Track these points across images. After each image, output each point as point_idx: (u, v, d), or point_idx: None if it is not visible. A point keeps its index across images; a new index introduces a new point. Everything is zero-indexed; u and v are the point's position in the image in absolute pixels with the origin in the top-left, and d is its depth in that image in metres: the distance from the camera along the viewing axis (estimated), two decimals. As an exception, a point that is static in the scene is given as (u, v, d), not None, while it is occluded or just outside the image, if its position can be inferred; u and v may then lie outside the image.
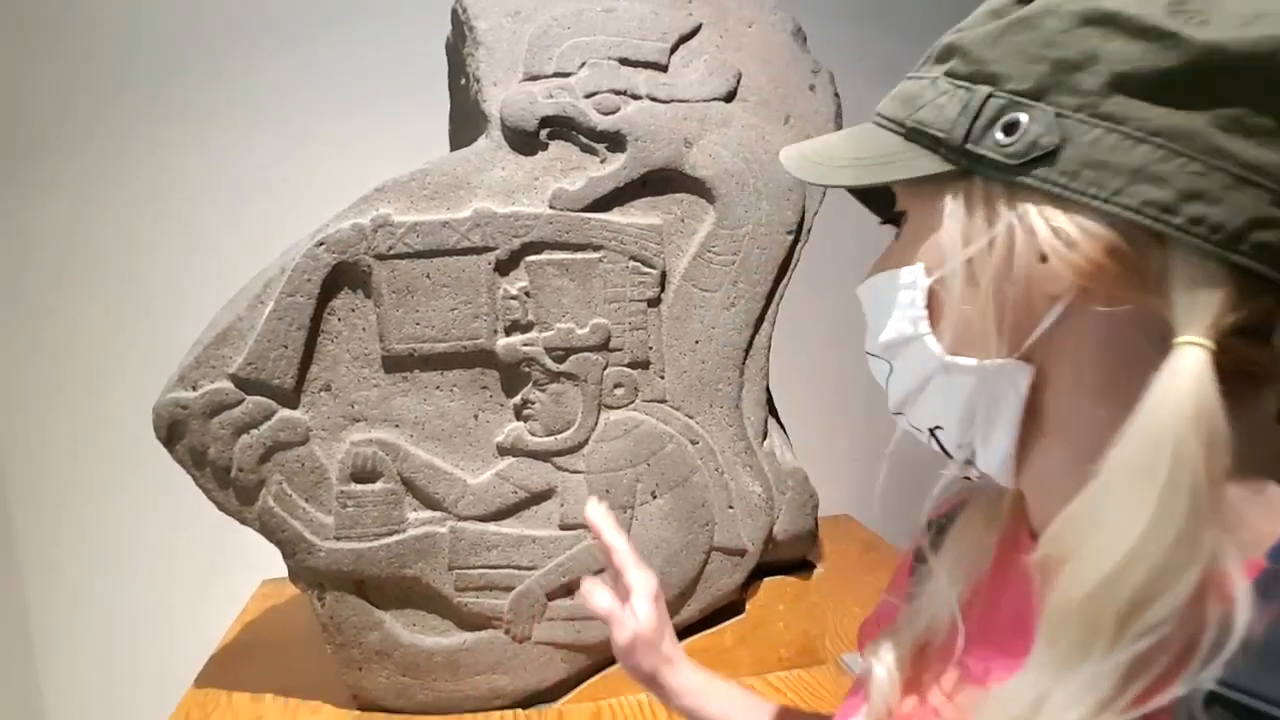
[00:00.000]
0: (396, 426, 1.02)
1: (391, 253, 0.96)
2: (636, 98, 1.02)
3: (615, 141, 1.01)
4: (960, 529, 0.52)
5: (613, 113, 1.00)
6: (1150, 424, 0.34)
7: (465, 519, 1.05)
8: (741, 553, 1.12)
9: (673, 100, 1.03)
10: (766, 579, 1.16)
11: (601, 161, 1.02)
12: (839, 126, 1.11)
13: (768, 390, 1.13)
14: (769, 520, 1.12)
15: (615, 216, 1.03)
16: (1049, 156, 0.36)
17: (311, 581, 1.04)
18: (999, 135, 0.37)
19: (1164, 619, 0.33)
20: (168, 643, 1.49)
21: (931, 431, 0.45)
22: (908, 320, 0.43)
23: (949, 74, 0.41)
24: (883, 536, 1.69)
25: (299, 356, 0.97)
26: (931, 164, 0.40)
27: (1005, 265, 0.38)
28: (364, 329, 0.99)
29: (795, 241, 1.08)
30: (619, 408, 1.07)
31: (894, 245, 0.47)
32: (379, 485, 1.02)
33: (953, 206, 0.40)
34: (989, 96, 0.38)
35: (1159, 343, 0.35)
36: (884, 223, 0.52)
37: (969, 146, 0.38)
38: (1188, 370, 0.33)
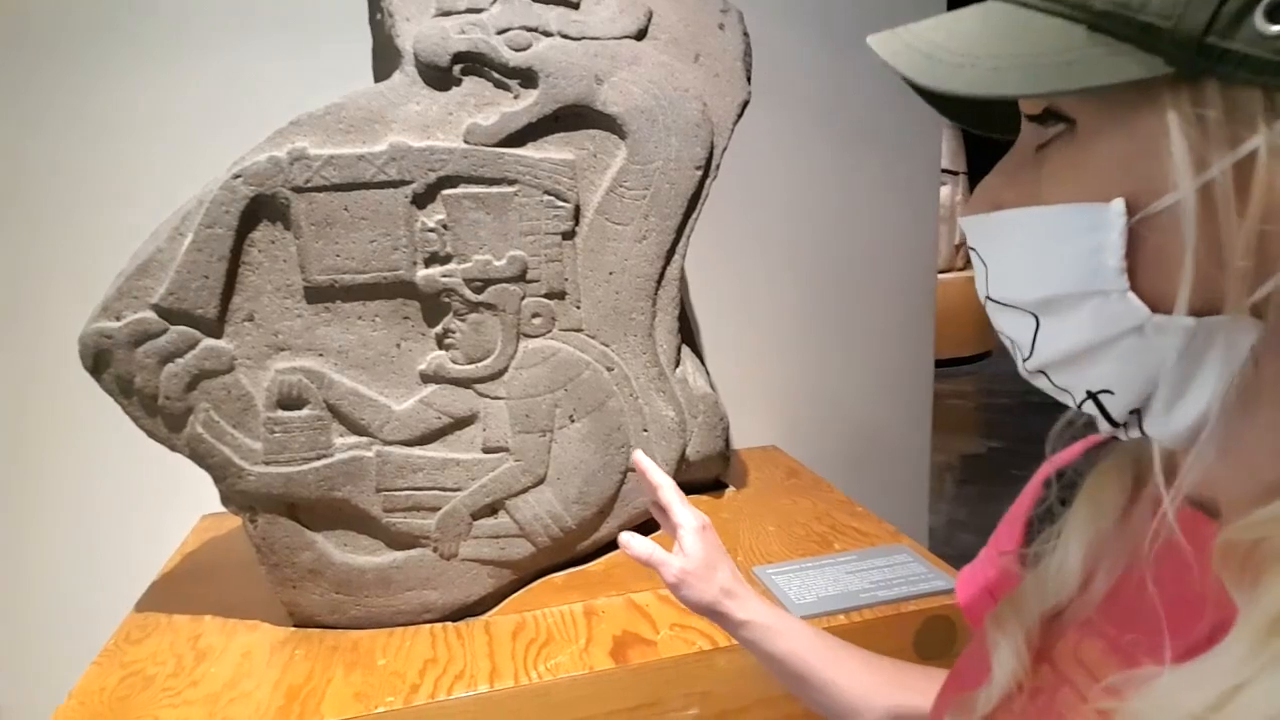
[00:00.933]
0: (321, 355, 1.06)
1: (309, 185, 0.99)
2: (548, 34, 1.05)
3: (527, 78, 1.04)
4: (1096, 483, 0.46)
5: (524, 49, 1.03)
6: None
7: (391, 444, 1.10)
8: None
9: (584, 37, 1.06)
10: (682, 498, 1.24)
11: (515, 97, 1.05)
12: (747, 66, 1.15)
13: (681, 319, 1.19)
14: (682, 442, 1.19)
15: (529, 151, 1.06)
16: None
17: (243, 505, 1.09)
18: (1262, 23, 0.28)
19: None
20: (110, 575, 1.53)
21: (1092, 396, 0.38)
22: (1094, 271, 0.34)
23: None
24: (805, 464, 1.79)
25: (220, 287, 1.00)
26: (1145, 64, 0.31)
27: (1257, 197, 0.30)
28: (285, 260, 1.02)
29: (704, 177, 1.13)
30: (537, 336, 1.12)
31: (1050, 167, 0.37)
32: (305, 412, 1.06)
33: (1178, 121, 0.31)
34: None
35: None
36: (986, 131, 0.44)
37: (1211, 40, 0.29)
38: None
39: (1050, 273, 0.36)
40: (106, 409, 1.04)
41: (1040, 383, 0.40)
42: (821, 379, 1.99)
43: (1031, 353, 0.39)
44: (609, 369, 1.15)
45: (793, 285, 1.92)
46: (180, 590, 1.28)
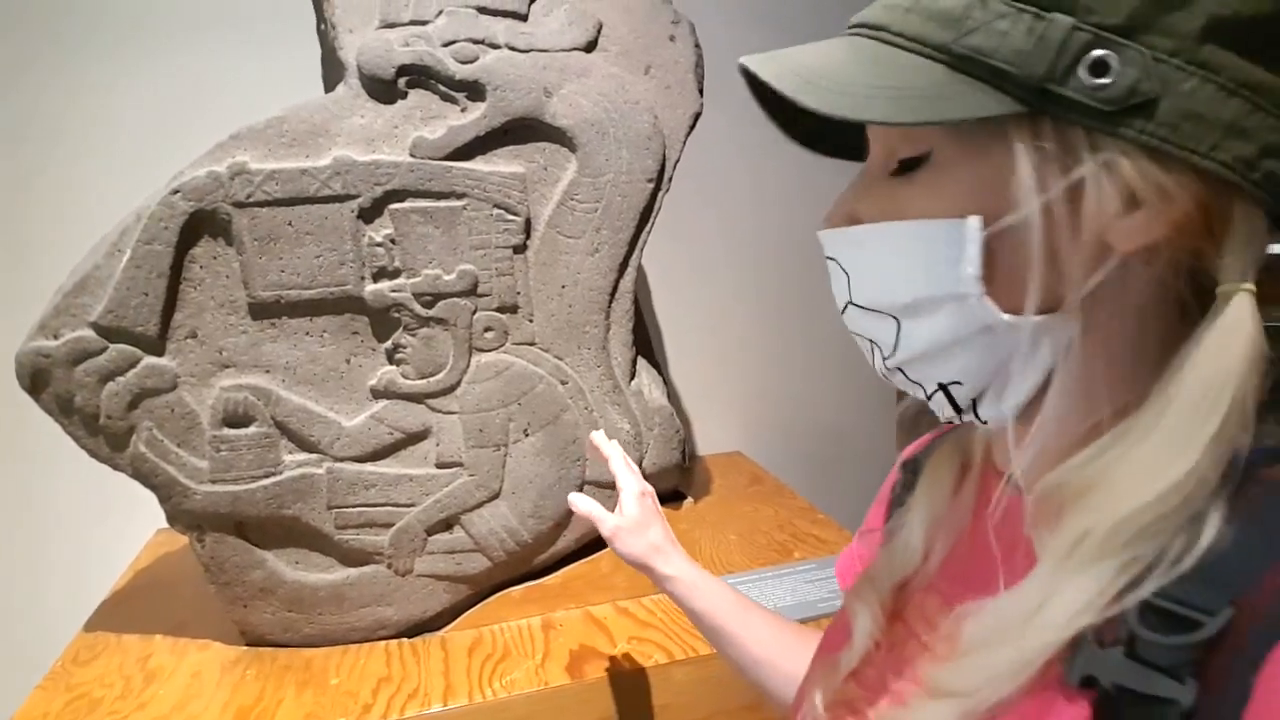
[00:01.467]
0: (267, 372, 1.05)
1: (250, 200, 0.98)
2: (495, 47, 1.04)
3: (475, 90, 1.03)
4: (933, 469, 0.53)
5: (471, 61, 1.02)
6: (1212, 366, 0.35)
7: (342, 460, 1.09)
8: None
9: (532, 50, 1.06)
10: (639, 510, 1.23)
11: (462, 110, 1.04)
12: (699, 78, 1.15)
13: (635, 333, 1.18)
14: (638, 455, 1.19)
15: (478, 165, 1.05)
16: (1147, 105, 0.34)
17: (190, 524, 1.07)
18: (1085, 75, 0.34)
19: (1164, 532, 0.35)
20: (60, 594, 1.50)
21: (942, 388, 0.43)
22: (954, 278, 0.39)
23: None
24: (769, 470, 1.79)
25: (161, 304, 0.98)
26: (997, 102, 0.36)
27: (1083, 215, 0.36)
28: (228, 276, 1.01)
29: (656, 189, 1.13)
30: (490, 350, 1.11)
31: (908, 188, 0.41)
32: (252, 429, 1.04)
33: (1024, 151, 0.36)
34: (1073, 29, 0.34)
35: (1197, 290, 0.37)
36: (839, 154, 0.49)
37: (1048, 86, 0.35)
38: (1245, 315, 0.35)
39: (915, 280, 0.41)
40: (51, 423, 1.02)
41: (896, 379, 0.46)
42: (786, 383, 2.00)
43: (894, 351, 0.44)
44: (563, 382, 1.14)
45: (755, 291, 1.93)
46: (131, 608, 1.26)
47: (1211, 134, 0.34)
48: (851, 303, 0.45)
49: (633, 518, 0.78)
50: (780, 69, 0.40)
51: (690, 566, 0.76)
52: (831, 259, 0.46)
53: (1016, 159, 0.36)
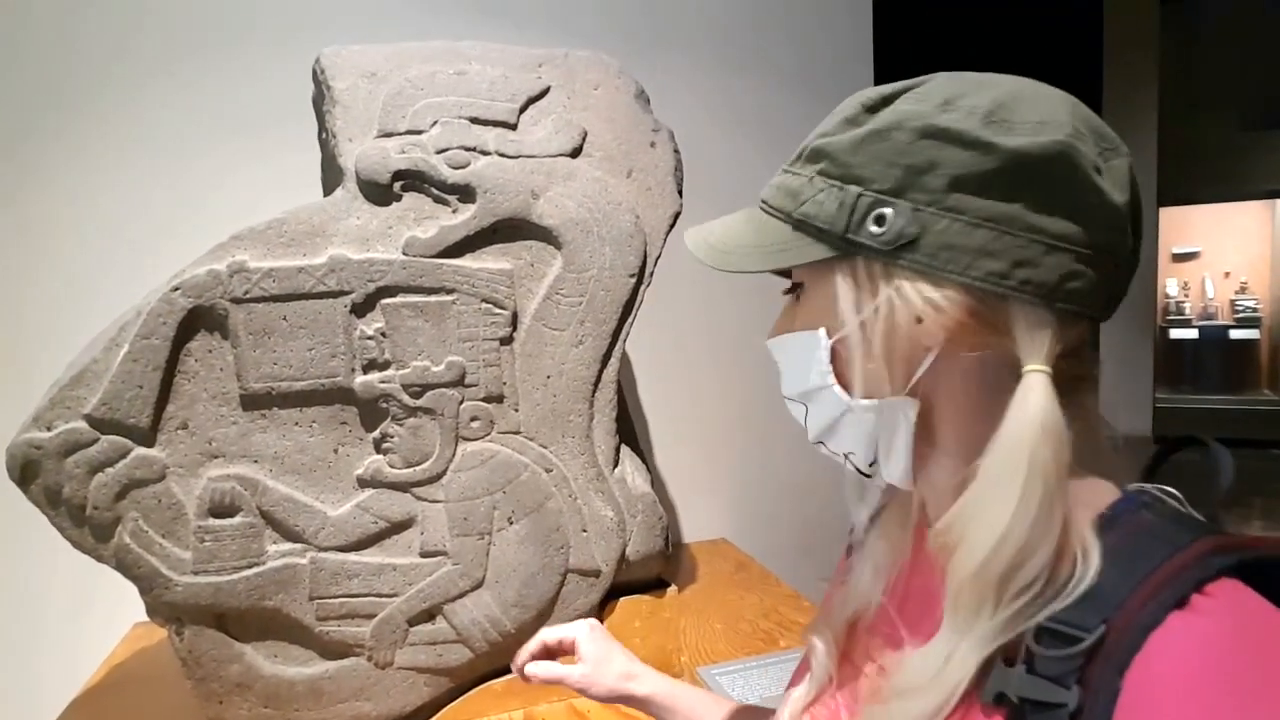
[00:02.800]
0: (255, 462, 1.06)
1: (248, 297, 1.02)
2: (486, 153, 1.11)
3: (465, 193, 1.10)
4: (881, 526, 0.62)
5: (463, 167, 1.09)
6: (1011, 436, 0.45)
7: (326, 550, 1.09)
8: (596, 573, 1.19)
9: (521, 155, 1.12)
10: (622, 599, 1.23)
11: (453, 211, 1.10)
12: (678, 180, 1.22)
13: (619, 422, 1.21)
14: (621, 542, 1.20)
15: (467, 262, 1.11)
16: (913, 243, 0.46)
17: (169, 616, 1.06)
18: (872, 227, 0.47)
19: (1034, 579, 0.44)
20: (34, 687, 1.46)
21: (846, 456, 0.56)
22: (816, 374, 0.53)
23: (822, 173, 0.50)
24: (754, 558, 1.79)
25: (154, 396, 1.00)
26: (820, 250, 0.50)
27: (889, 325, 0.48)
28: (221, 369, 1.04)
29: (638, 284, 1.18)
30: (476, 439, 1.14)
31: (796, 309, 0.56)
32: (237, 519, 1.05)
33: (843, 283, 0.50)
34: (859, 195, 0.48)
35: (1013, 372, 0.46)
36: (786, 277, 0.61)
37: (849, 236, 0.48)
38: (1036, 391, 0.45)
39: (801, 375, 0.55)
40: (30, 517, 1.02)
41: (822, 451, 0.58)
42: (770, 470, 2.02)
43: (808, 429, 0.57)
44: (547, 470, 1.16)
45: (737, 379, 1.97)
46: (102, 706, 1.23)
47: (964, 257, 0.46)
48: (784, 395, 0.59)
49: (592, 659, 0.79)
50: (700, 241, 0.58)
51: (661, 682, 0.79)
52: (776, 362, 0.60)
53: (838, 288, 0.50)
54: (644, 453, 1.43)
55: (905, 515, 0.61)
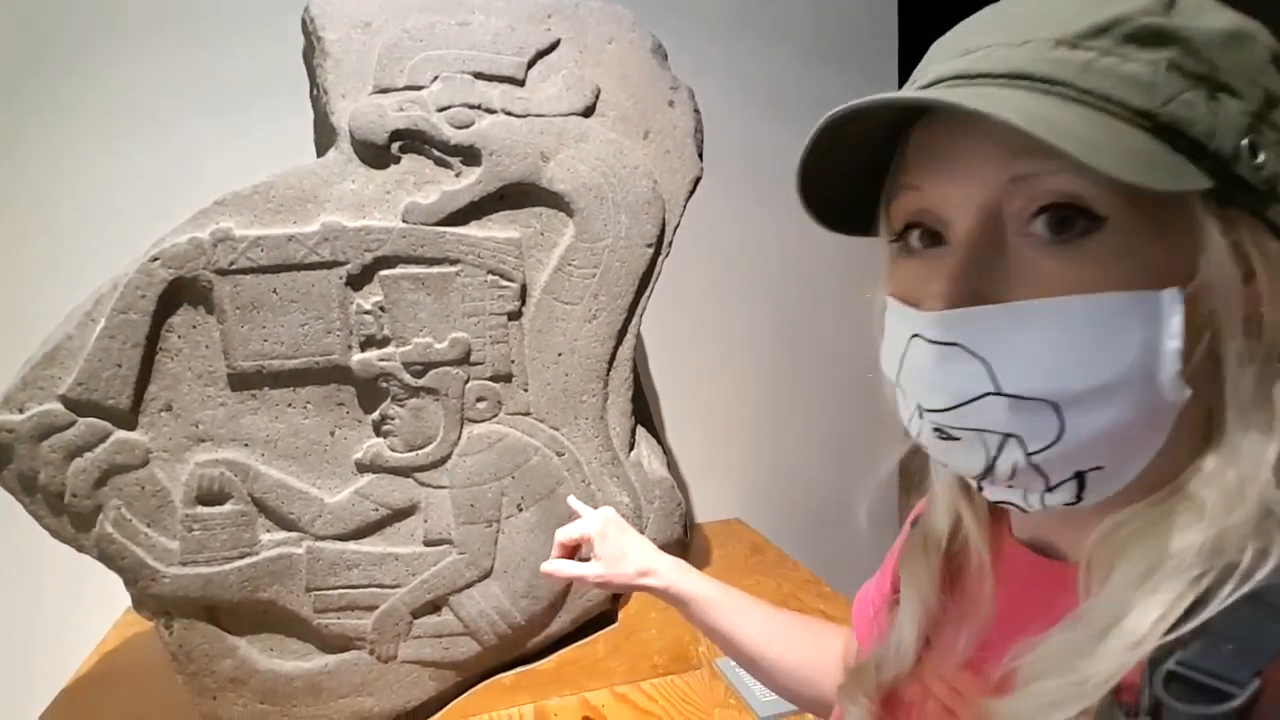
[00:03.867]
0: (246, 446, 0.99)
1: (234, 268, 0.94)
2: (491, 112, 1.02)
3: (469, 155, 1.01)
4: (909, 569, 0.53)
5: (467, 126, 1.00)
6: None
7: (323, 539, 1.02)
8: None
9: (529, 115, 1.03)
10: (638, 588, 1.17)
11: (456, 175, 1.02)
12: (698, 143, 1.13)
13: (634, 401, 1.14)
14: (638, 528, 1.13)
15: (472, 230, 1.02)
16: (1276, 190, 0.36)
17: (157, 610, 1.00)
18: (1247, 156, 0.35)
19: (1236, 545, 0.36)
20: (20, 678, 1.41)
21: (1080, 475, 0.39)
22: (1154, 354, 0.36)
23: (1175, 65, 0.35)
24: (769, 538, 1.73)
25: (135, 375, 0.93)
26: (1196, 176, 0.35)
27: (1250, 290, 0.37)
28: (207, 346, 0.96)
29: (656, 255, 1.10)
30: (482, 421, 1.06)
31: (1077, 258, 0.37)
32: (228, 507, 0.98)
33: (1215, 223, 0.36)
34: (1240, 113, 0.35)
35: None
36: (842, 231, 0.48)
37: (1231, 165, 0.35)
38: None
39: (1097, 359, 0.36)
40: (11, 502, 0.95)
41: (1021, 477, 0.40)
42: (784, 449, 1.95)
43: (1053, 443, 0.38)
44: (559, 454, 1.09)
45: (752, 354, 1.89)
46: (90, 700, 1.17)
47: None
48: (996, 393, 0.38)
49: (609, 556, 0.77)
50: (992, 104, 0.35)
51: (681, 575, 0.75)
52: (954, 345, 0.39)
53: (1205, 233, 0.36)
54: (658, 432, 1.36)
55: (935, 542, 0.53)
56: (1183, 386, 0.37)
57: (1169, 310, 0.36)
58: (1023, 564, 0.47)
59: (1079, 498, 0.40)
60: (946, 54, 0.41)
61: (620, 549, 0.77)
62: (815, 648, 0.70)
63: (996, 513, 0.51)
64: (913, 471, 0.54)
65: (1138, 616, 0.36)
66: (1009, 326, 0.38)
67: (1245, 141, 0.35)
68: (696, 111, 1.14)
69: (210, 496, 0.98)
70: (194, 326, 0.96)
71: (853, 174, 0.44)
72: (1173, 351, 0.36)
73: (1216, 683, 0.33)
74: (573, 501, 0.87)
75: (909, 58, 1.80)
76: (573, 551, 0.80)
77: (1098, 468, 0.39)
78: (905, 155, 0.43)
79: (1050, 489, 0.40)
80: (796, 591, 1.45)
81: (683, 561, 0.78)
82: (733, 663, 1.20)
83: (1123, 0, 0.36)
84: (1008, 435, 0.39)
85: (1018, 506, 0.42)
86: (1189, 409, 0.38)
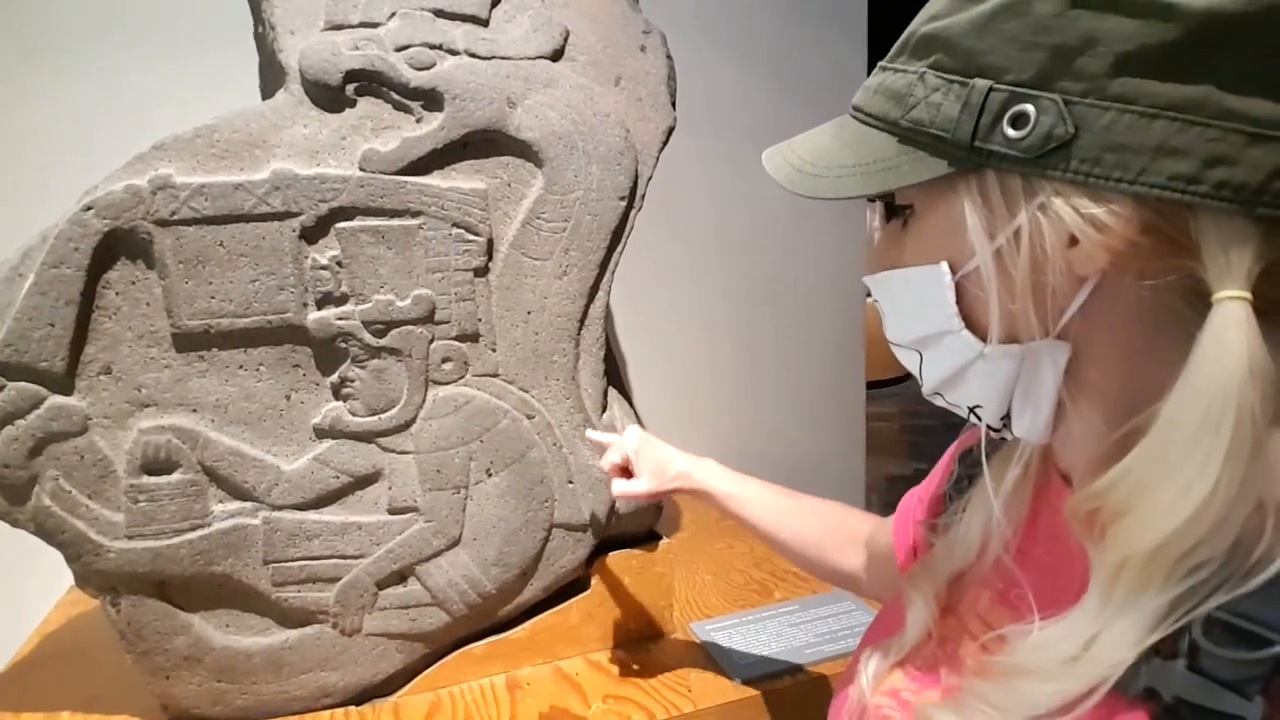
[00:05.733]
0: (194, 411, 0.93)
1: (176, 218, 0.87)
2: (454, 53, 0.95)
3: (431, 99, 0.94)
4: (995, 468, 0.54)
5: (428, 68, 0.93)
6: (1207, 381, 0.35)
7: (280, 508, 0.97)
8: (584, 528, 1.09)
9: (494, 57, 0.97)
10: (612, 553, 1.14)
11: (417, 121, 0.95)
12: (671, 91, 1.08)
13: (606, 361, 1.10)
14: (610, 494, 1.09)
15: (435, 180, 0.96)
16: (1065, 146, 0.36)
17: (103, 586, 0.94)
18: (1008, 130, 0.38)
19: (1213, 557, 0.35)
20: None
21: (971, 410, 0.47)
22: (940, 316, 0.44)
23: (936, 68, 0.40)
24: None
25: (70, 336, 0.86)
26: (937, 166, 0.41)
27: (1034, 252, 0.39)
28: (148, 303, 0.89)
29: (629, 208, 1.05)
30: (448, 383, 1.01)
31: (904, 238, 0.47)
32: (176, 476, 0.92)
33: (970, 203, 0.40)
34: (990, 91, 0.38)
35: (1195, 303, 0.36)
36: (885, 201, 0.52)
37: (977, 144, 0.39)
38: (1235, 323, 0.34)
39: (917, 318, 0.47)
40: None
41: (939, 402, 0.50)
42: (753, 410, 1.93)
43: (923, 380, 0.49)
44: (529, 417, 1.05)
45: (721, 316, 1.86)
46: (35, 680, 1.11)
47: (1137, 160, 0.35)
48: (890, 340, 0.50)
49: (649, 470, 0.89)
50: (782, 162, 0.48)
51: (720, 477, 0.88)
52: (875, 300, 0.51)
53: (964, 212, 0.41)
54: (627, 393, 1.33)
55: (1022, 458, 0.53)
56: (971, 341, 0.44)
57: (943, 280, 0.43)
58: (1054, 493, 0.50)
59: (993, 430, 0.47)
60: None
61: (657, 460, 0.89)
62: (826, 530, 0.82)
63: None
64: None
65: (1110, 639, 0.37)
66: (882, 289, 0.49)
67: (1006, 115, 0.38)
68: (669, 58, 1.09)
69: (156, 465, 0.92)
70: (133, 282, 0.88)
71: None
72: (950, 314, 0.44)
73: (1259, 629, 0.33)
74: (592, 434, 1.00)
75: (879, 3, 1.76)
76: (625, 471, 0.91)
77: (978, 405, 0.46)
78: None
79: (966, 418, 0.49)
80: (769, 555, 1.44)
81: (710, 460, 0.90)
82: (709, 627, 1.19)
83: (929, 8, 0.42)
84: (910, 370, 0.50)
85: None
86: (1111, 367, 0.41)
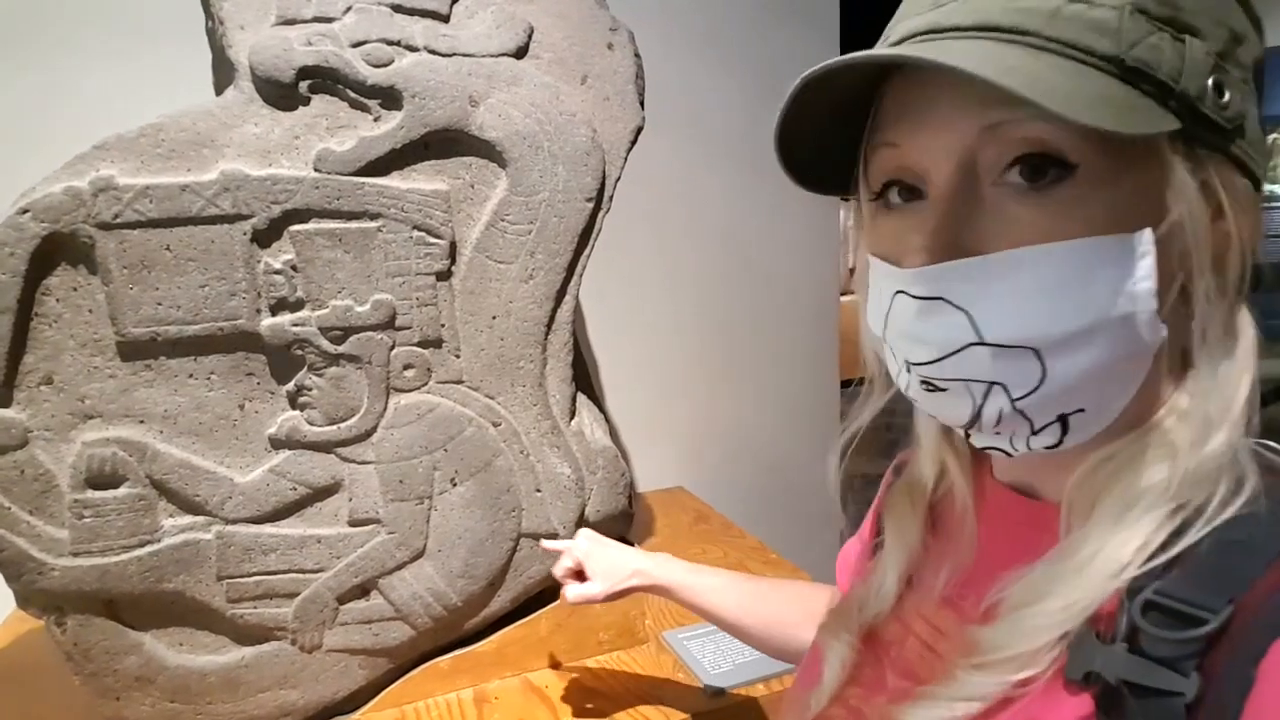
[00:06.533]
0: (142, 422, 0.89)
1: (119, 221, 0.83)
2: (413, 49, 0.92)
3: (390, 97, 0.91)
4: (894, 514, 0.55)
5: (385, 65, 0.90)
6: (1243, 347, 0.40)
7: (235, 522, 0.93)
8: (552, 537, 1.06)
9: (455, 54, 0.94)
10: (582, 562, 1.11)
11: (375, 119, 0.92)
12: (639, 90, 1.06)
13: (575, 366, 1.07)
14: (579, 502, 1.07)
15: (395, 181, 0.93)
16: (1243, 126, 0.38)
17: (47, 606, 0.90)
18: (1214, 95, 0.37)
19: (1212, 478, 0.38)
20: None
21: (1064, 417, 0.40)
22: (1126, 296, 0.37)
23: (1139, 10, 0.36)
24: (714, 507, 1.70)
25: (7, 345, 0.82)
26: (1164, 118, 0.36)
27: (1214, 226, 0.38)
28: (91, 310, 0.85)
29: (596, 209, 1.02)
30: (410, 390, 0.98)
31: (1049, 204, 0.37)
32: (123, 490, 0.88)
33: (1182, 164, 0.37)
34: (1205, 53, 0.37)
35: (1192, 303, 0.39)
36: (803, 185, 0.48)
37: (1197, 105, 0.36)
38: (1248, 320, 0.40)
39: (1074, 304, 0.37)
40: None
41: (1011, 420, 0.41)
42: (727, 412, 1.91)
43: (1036, 388, 0.39)
44: (495, 424, 1.02)
45: (694, 317, 1.84)
46: (-23, 706, 1.06)
47: (1259, 154, 0.39)
48: (979, 343, 0.39)
49: (605, 573, 0.85)
50: (1002, 67, 0.35)
51: (678, 572, 0.84)
52: (937, 299, 0.40)
53: (1174, 173, 0.37)
54: (597, 398, 1.30)
55: (921, 486, 0.55)
56: (1160, 326, 0.39)
57: (1141, 252, 0.37)
58: (1004, 505, 0.49)
59: (1062, 440, 0.41)
60: (918, 7, 0.41)
61: (609, 562, 0.86)
62: (789, 608, 0.78)
63: (979, 457, 0.52)
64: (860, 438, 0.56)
65: (1117, 547, 0.38)
66: (988, 277, 0.38)
67: (1210, 81, 0.36)
68: (637, 56, 1.06)
69: (102, 479, 0.88)
70: (74, 289, 0.84)
71: (825, 135, 0.45)
72: (1146, 292, 0.37)
73: (1192, 609, 0.35)
74: (546, 544, 0.95)
75: (852, 4, 1.75)
76: (579, 575, 0.88)
77: (1080, 410, 0.40)
78: (880, 114, 0.43)
79: (1035, 432, 0.41)
80: (743, 559, 1.42)
81: (665, 554, 0.87)
82: (681, 635, 1.17)
83: None
84: (992, 383, 0.40)
85: (1004, 451, 0.43)
86: (1164, 348, 0.40)
